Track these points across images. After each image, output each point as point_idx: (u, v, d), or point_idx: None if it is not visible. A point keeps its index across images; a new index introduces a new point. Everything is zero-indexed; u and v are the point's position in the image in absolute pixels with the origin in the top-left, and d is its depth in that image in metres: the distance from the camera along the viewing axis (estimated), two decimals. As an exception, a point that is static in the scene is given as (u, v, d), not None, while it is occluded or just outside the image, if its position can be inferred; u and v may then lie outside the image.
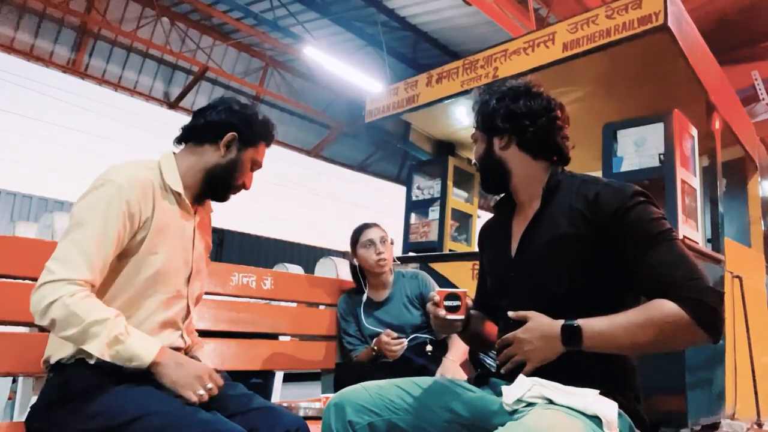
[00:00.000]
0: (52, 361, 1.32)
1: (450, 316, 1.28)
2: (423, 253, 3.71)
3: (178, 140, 1.51)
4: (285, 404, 1.89)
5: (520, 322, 1.22)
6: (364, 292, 2.37)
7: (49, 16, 9.67)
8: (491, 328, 1.45)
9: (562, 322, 1.17)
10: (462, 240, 4.08)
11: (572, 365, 1.16)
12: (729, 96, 3.43)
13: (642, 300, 1.19)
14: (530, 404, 1.12)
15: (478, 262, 1.64)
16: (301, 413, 1.75)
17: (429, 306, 1.31)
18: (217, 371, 1.34)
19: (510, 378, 1.20)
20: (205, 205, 1.57)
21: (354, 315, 2.38)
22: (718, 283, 2.76)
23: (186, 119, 1.53)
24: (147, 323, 1.37)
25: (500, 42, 3.19)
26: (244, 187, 1.55)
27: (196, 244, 1.50)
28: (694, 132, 2.92)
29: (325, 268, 2.79)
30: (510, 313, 1.25)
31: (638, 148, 2.80)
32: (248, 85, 11.40)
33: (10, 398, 2.17)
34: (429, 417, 1.27)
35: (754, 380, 3.00)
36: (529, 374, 1.17)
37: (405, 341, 2.17)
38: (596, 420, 1.05)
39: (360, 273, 2.38)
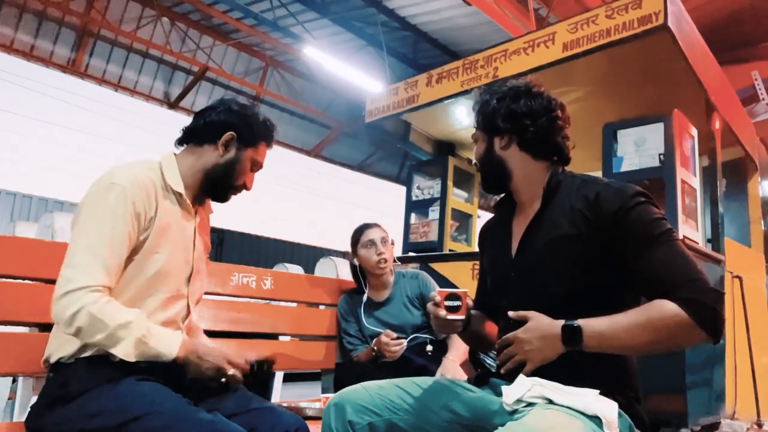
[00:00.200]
0: (52, 360, 1.32)
1: (450, 317, 1.28)
2: (423, 253, 3.71)
3: (179, 142, 1.52)
4: (285, 404, 1.89)
5: (521, 322, 1.22)
6: (364, 293, 2.37)
7: (49, 16, 9.67)
8: (491, 328, 1.45)
9: (562, 322, 1.17)
10: (462, 240, 4.08)
11: (572, 365, 1.16)
12: (729, 96, 3.43)
13: (642, 300, 1.19)
14: (530, 404, 1.12)
15: (478, 262, 1.64)
16: (301, 413, 1.75)
17: (429, 306, 1.31)
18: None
19: (510, 378, 1.20)
20: (205, 206, 1.58)
21: (354, 315, 2.38)
22: (718, 283, 2.76)
23: (186, 119, 1.53)
24: None
25: (500, 42, 3.19)
26: (245, 187, 1.55)
27: (196, 244, 1.51)
28: (694, 132, 2.93)
29: (325, 268, 2.79)
30: (510, 313, 1.25)
31: (638, 148, 2.80)
32: (248, 85, 11.40)
33: (10, 398, 2.17)
34: (429, 417, 1.27)
35: (754, 380, 3.00)
36: (529, 374, 1.17)
37: (404, 342, 2.17)
38: (596, 420, 1.05)
39: (360, 273, 2.38)
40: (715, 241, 2.91)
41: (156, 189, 1.39)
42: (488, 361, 2.20)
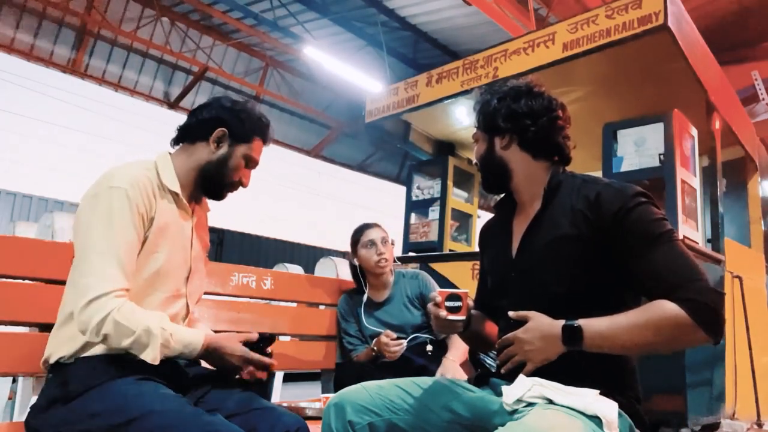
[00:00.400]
0: (52, 360, 1.32)
1: (451, 317, 1.28)
2: (423, 253, 3.71)
3: (174, 141, 1.51)
4: (285, 404, 1.89)
5: (521, 322, 1.22)
6: (364, 293, 2.37)
7: (49, 16, 9.67)
8: (491, 328, 1.45)
9: (562, 322, 1.17)
10: (462, 240, 4.08)
11: (572, 365, 1.16)
12: (729, 96, 3.43)
13: (642, 300, 1.19)
14: (530, 404, 1.12)
15: (478, 262, 1.64)
16: (301, 413, 1.75)
17: (430, 306, 1.31)
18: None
19: (510, 378, 1.20)
20: (202, 204, 1.58)
21: (354, 315, 2.38)
22: (718, 283, 2.76)
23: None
24: None
25: (500, 42, 3.19)
26: (242, 184, 1.53)
27: (194, 243, 1.51)
28: (694, 132, 2.93)
29: (325, 268, 2.79)
30: (510, 313, 1.25)
31: (638, 148, 2.80)
32: (248, 85, 11.40)
33: (10, 398, 2.17)
34: (429, 417, 1.27)
35: (754, 380, 3.00)
36: (530, 374, 1.17)
37: (404, 343, 2.17)
38: (596, 420, 1.05)
39: (360, 273, 2.38)
40: (715, 241, 2.92)
41: (153, 189, 1.39)
42: (488, 361, 2.19)
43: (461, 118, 3.68)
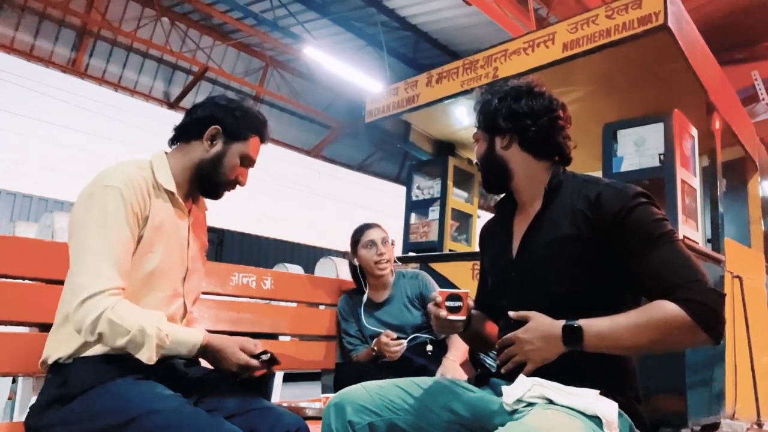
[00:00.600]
0: (50, 361, 1.32)
1: (451, 317, 1.28)
2: (423, 253, 3.71)
3: (171, 141, 1.51)
4: (285, 404, 1.89)
5: (521, 322, 1.22)
6: (364, 293, 2.37)
7: (49, 16, 9.67)
8: (492, 328, 1.45)
9: (563, 322, 1.17)
10: (462, 240, 4.08)
11: (572, 365, 1.16)
12: (729, 96, 3.43)
13: (643, 300, 1.19)
14: (530, 404, 1.12)
15: (478, 262, 1.64)
16: (301, 413, 1.75)
17: (430, 306, 1.31)
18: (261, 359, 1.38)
19: (510, 378, 1.20)
20: (199, 204, 1.57)
21: (354, 315, 2.38)
22: (718, 283, 2.76)
23: (185, 120, 1.52)
24: None
25: (500, 42, 3.19)
26: (239, 183, 1.52)
27: (191, 243, 1.50)
28: (694, 132, 2.93)
29: (325, 268, 2.79)
30: (511, 313, 1.25)
31: (638, 148, 2.80)
32: (248, 85, 11.41)
33: (10, 398, 2.17)
34: (429, 417, 1.27)
35: (754, 380, 3.00)
36: (530, 374, 1.17)
37: (404, 343, 2.17)
38: (596, 420, 1.05)
39: (360, 273, 2.38)
40: (715, 241, 2.92)
41: (148, 188, 1.38)
42: (488, 361, 2.19)
43: (461, 118, 3.68)
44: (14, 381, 1.89)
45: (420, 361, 2.18)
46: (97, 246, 1.27)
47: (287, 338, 2.44)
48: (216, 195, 1.52)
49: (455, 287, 1.49)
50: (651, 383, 1.53)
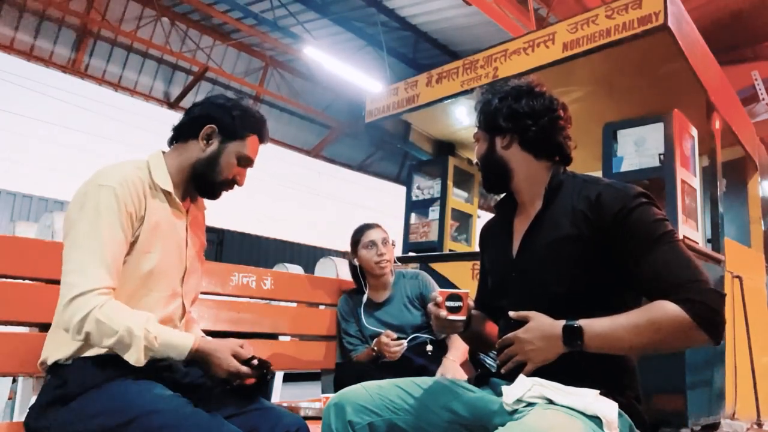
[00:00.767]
0: (49, 362, 1.31)
1: (452, 317, 1.28)
2: (423, 253, 3.71)
3: (169, 141, 1.50)
4: (285, 404, 1.89)
5: (521, 322, 1.22)
6: (364, 293, 2.37)
7: (49, 16, 9.67)
8: (492, 328, 1.44)
9: (563, 322, 1.16)
10: (462, 240, 4.08)
11: (572, 365, 1.16)
12: (729, 96, 3.43)
13: (643, 300, 1.19)
14: (530, 404, 1.12)
15: (478, 262, 1.64)
16: (301, 413, 1.75)
17: (430, 306, 1.31)
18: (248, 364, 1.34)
19: (510, 378, 1.20)
20: (197, 203, 1.56)
21: (354, 315, 2.37)
22: (718, 283, 2.76)
23: (185, 120, 1.51)
24: None
25: (500, 42, 3.19)
26: (236, 183, 1.50)
27: (189, 242, 1.49)
28: (694, 132, 2.93)
29: (325, 268, 2.79)
30: (511, 313, 1.24)
31: (638, 148, 2.80)
32: (248, 85, 11.41)
33: (10, 398, 2.17)
34: (429, 417, 1.27)
35: (754, 380, 3.00)
36: (530, 374, 1.17)
37: (404, 343, 2.17)
38: (596, 420, 1.05)
39: (360, 273, 2.38)
40: (715, 241, 2.92)
41: (144, 188, 1.37)
42: (488, 361, 2.19)
43: (461, 118, 3.68)
44: (14, 381, 1.89)
45: (420, 361, 2.18)
46: (88, 245, 1.26)
47: (287, 338, 2.44)
48: (213, 195, 1.51)
49: (455, 287, 1.49)
50: (651, 383, 1.52)
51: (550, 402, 1.10)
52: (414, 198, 4.08)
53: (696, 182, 2.88)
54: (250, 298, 2.26)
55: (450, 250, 3.79)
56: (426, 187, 4.04)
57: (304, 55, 9.42)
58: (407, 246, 3.96)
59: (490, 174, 1.43)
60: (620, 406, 1.10)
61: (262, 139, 1.52)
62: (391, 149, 13.34)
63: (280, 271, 2.54)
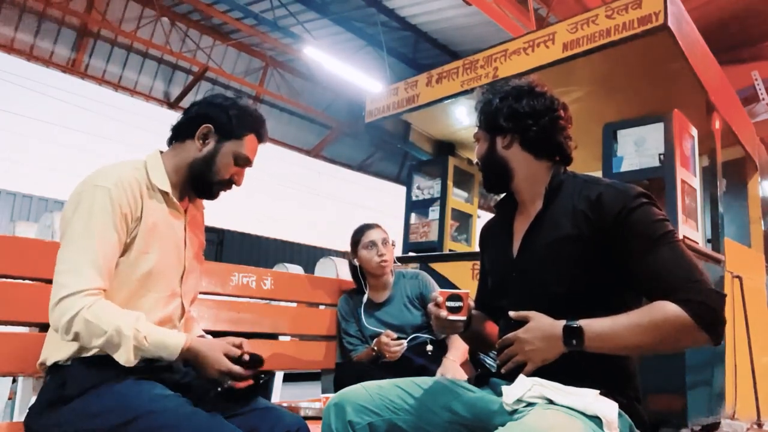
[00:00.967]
0: (49, 363, 1.31)
1: (452, 317, 1.28)
2: (423, 253, 3.71)
3: (168, 141, 1.50)
4: (285, 404, 1.89)
5: (521, 322, 1.22)
6: (364, 293, 2.37)
7: (49, 16, 9.68)
8: (492, 328, 1.44)
9: (563, 322, 1.16)
10: (462, 240, 4.08)
11: (573, 365, 1.16)
12: (729, 96, 3.43)
13: (643, 300, 1.19)
14: (530, 404, 1.12)
15: (478, 262, 1.64)
16: (301, 413, 1.75)
17: (431, 306, 1.31)
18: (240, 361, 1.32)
19: (510, 378, 1.20)
20: (196, 203, 1.55)
21: (354, 315, 2.37)
22: (718, 283, 2.76)
23: (186, 120, 1.51)
24: None
25: (500, 42, 3.19)
26: (234, 183, 1.49)
27: (187, 242, 1.49)
28: (694, 132, 2.92)
29: (325, 268, 2.79)
30: (511, 313, 1.24)
31: (638, 148, 2.80)
32: (248, 85, 11.41)
33: (10, 398, 2.18)
34: (429, 417, 1.27)
35: (754, 380, 3.00)
36: (530, 374, 1.17)
37: (404, 343, 2.17)
38: (596, 420, 1.05)
39: (360, 273, 2.38)
40: (715, 241, 2.92)
41: (141, 188, 1.37)
42: (488, 361, 2.20)
43: (461, 118, 3.68)
44: (14, 381, 1.89)
45: (420, 361, 2.18)
46: (80, 245, 1.26)
47: (287, 338, 2.44)
48: (210, 195, 1.49)
49: (455, 287, 1.49)
50: (651, 383, 1.52)
51: (550, 402, 1.10)
52: (414, 198, 4.08)
53: (696, 182, 2.88)
54: (250, 298, 2.26)
55: (450, 250, 3.79)
56: (426, 187, 4.04)
57: (304, 55, 9.43)
58: (407, 246, 3.96)
59: (490, 174, 1.43)
60: (620, 406, 1.10)
61: (261, 138, 1.51)
62: (391, 149, 13.35)
63: (280, 271, 2.54)
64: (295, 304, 2.41)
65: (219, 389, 1.30)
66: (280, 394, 3.28)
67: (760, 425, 2.99)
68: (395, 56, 10.04)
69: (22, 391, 1.59)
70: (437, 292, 1.31)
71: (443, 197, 3.86)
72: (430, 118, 3.74)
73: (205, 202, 1.58)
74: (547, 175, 1.35)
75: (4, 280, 1.55)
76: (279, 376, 3.24)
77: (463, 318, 1.28)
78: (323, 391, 2.43)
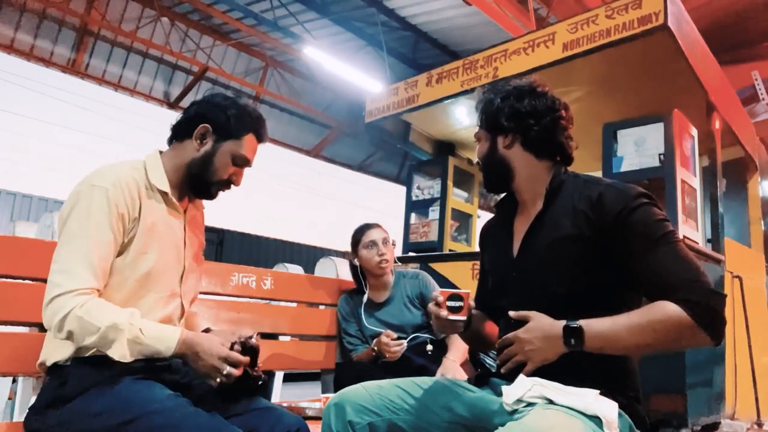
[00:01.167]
0: (48, 363, 1.31)
1: (452, 317, 1.28)
2: (423, 253, 3.71)
3: (168, 140, 1.49)
4: (285, 404, 1.89)
5: (521, 322, 1.22)
6: (364, 293, 2.37)
7: (49, 16, 9.68)
8: (492, 328, 1.45)
9: (563, 322, 1.16)
10: (462, 240, 4.08)
11: (572, 365, 1.16)
12: (729, 96, 3.43)
13: (643, 300, 1.19)
14: (530, 404, 1.12)
15: (478, 262, 1.64)
16: (302, 413, 1.75)
17: (431, 306, 1.31)
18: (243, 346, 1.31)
19: (510, 378, 1.20)
20: (196, 203, 1.55)
21: (355, 315, 2.37)
22: (718, 283, 2.76)
23: (186, 120, 1.51)
24: None
25: (500, 42, 3.19)
26: (232, 183, 1.48)
27: (187, 242, 1.48)
28: (694, 132, 2.92)
29: (325, 268, 2.79)
30: (511, 313, 1.25)
31: (638, 148, 2.80)
32: (248, 85, 11.41)
33: (10, 398, 2.18)
34: (429, 417, 1.27)
35: (754, 380, 3.00)
36: (530, 374, 1.17)
37: (404, 343, 2.17)
38: (596, 420, 1.05)
39: (361, 273, 2.38)
40: (715, 241, 2.91)
41: (139, 189, 1.36)
42: (488, 361, 2.19)
43: (461, 118, 3.68)
44: (14, 381, 1.89)
45: (420, 361, 2.18)
46: (75, 245, 1.26)
47: (287, 338, 2.44)
48: (208, 195, 1.49)
49: (455, 287, 1.49)
50: (651, 383, 1.53)
51: (550, 402, 1.10)
52: (414, 198, 4.08)
53: (696, 182, 2.88)
54: (250, 298, 2.26)
55: (450, 250, 3.79)
56: (426, 187, 4.04)
57: (304, 55, 9.43)
58: (407, 246, 3.96)
59: (491, 174, 1.43)
60: (620, 406, 1.10)
61: (260, 138, 1.50)
62: (391, 149, 13.34)
63: (280, 271, 2.54)
64: (295, 304, 2.41)
65: (219, 379, 1.27)
66: (280, 394, 3.28)
67: (760, 425, 2.99)
68: (395, 56, 10.04)
69: (22, 391, 1.59)
70: (438, 292, 1.31)
71: (443, 197, 3.86)
72: (430, 118, 3.74)
73: (205, 202, 1.58)
74: (547, 175, 1.35)
75: (4, 280, 1.55)
76: (279, 376, 3.24)
77: (464, 318, 1.28)
78: (323, 391, 2.43)
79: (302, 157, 13.46)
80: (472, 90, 3.18)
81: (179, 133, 1.47)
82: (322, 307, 2.49)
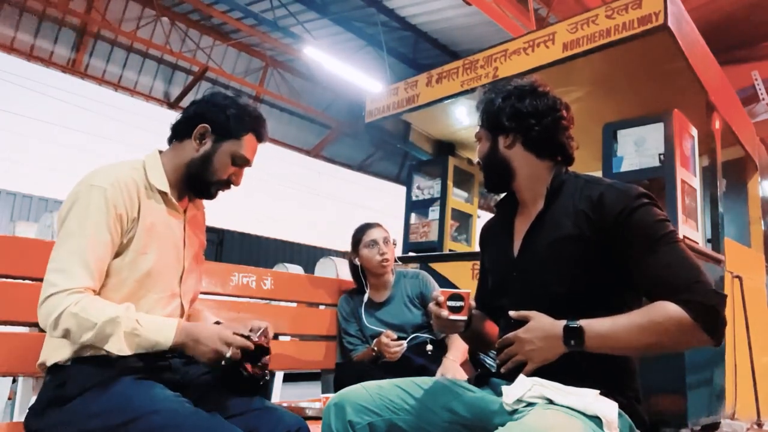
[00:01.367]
0: (48, 364, 1.31)
1: (453, 317, 1.28)
2: (423, 253, 3.71)
3: (168, 140, 1.49)
4: (285, 404, 1.89)
5: (522, 322, 1.22)
6: (365, 293, 2.37)
7: (49, 16, 9.68)
8: (492, 328, 1.45)
9: (563, 322, 1.16)
10: (462, 240, 4.08)
11: (573, 365, 1.16)
12: (729, 96, 3.43)
13: (643, 300, 1.19)
14: (530, 404, 1.12)
15: (478, 262, 1.64)
16: (302, 413, 1.75)
17: (432, 306, 1.31)
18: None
19: (510, 378, 1.20)
20: (196, 203, 1.54)
21: (355, 315, 2.37)
22: (718, 283, 2.76)
23: (186, 120, 1.50)
24: None
25: (500, 42, 3.19)
26: (232, 183, 1.48)
27: (187, 242, 1.48)
28: (694, 132, 2.92)
29: (325, 268, 2.79)
30: (511, 313, 1.25)
31: (638, 148, 2.80)
32: (248, 85, 11.41)
33: (10, 398, 2.17)
34: (429, 417, 1.27)
35: (754, 380, 3.00)
36: (530, 374, 1.17)
37: (404, 343, 2.17)
38: (596, 420, 1.05)
39: (361, 273, 2.38)
40: (715, 241, 2.91)
41: (138, 189, 1.36)
42: (488, 361, 2.19)
43: (461, 118, 3.68)
44: (14, 381, 1.89)
45: (420, 361, 2.18)
46: (72, 245, 1.26)
47: (287, 338, 2.44)
48: (208, 195, 1.48)
49: (455, 287, 1.49)
50: (651, 383, 1.52)
51: (550, 402, 1.10)
52: (414, 198, 4.08)
53: (696, 182, 2.88)
54: (250, 298, 2.26)
55: (450, 250, 3.79)
56: (426, 187, 4.04)
57: (304, 55, 9.43)
58: (407, 246, 3.96)
59: (492, 173, 1.43)
60: (620, 406, 1.10)
61: (260, 138, 1.49)
62: (391, 149, 13.34)
63: (280, 271, 2.54)
64: (295, 304, 2.41)
65: (223, 363, 1.25)
66: (280, 394, 3.27)
67: (760, 425, 2.99)
68: (395, 56, 10.04)
69: (22, 391, 1.59)
70: (438, 292, 1.31)
71: (443, 197, 3.86)
72: (430, 118, 3.74)
73: (205, 202, 1.58)
74: (548, 175, 1.35)
75: (4, 280, 1.55)
76: (279, 376, 3.23)
77: (464, 318, 1.28)
78: (323, 391, 2.43)
79: (302, 157, 13.46)
80: (472, 90, 3.18)
81: (179, 133, 1.46)
82: (322, 307, 2.49)
